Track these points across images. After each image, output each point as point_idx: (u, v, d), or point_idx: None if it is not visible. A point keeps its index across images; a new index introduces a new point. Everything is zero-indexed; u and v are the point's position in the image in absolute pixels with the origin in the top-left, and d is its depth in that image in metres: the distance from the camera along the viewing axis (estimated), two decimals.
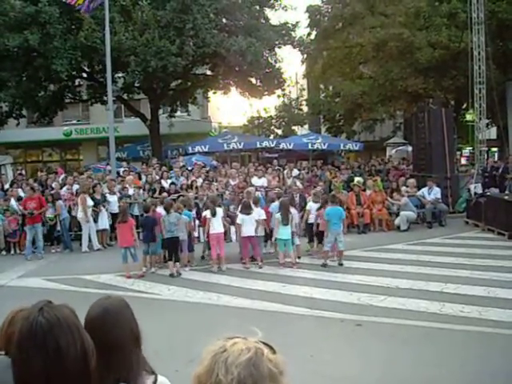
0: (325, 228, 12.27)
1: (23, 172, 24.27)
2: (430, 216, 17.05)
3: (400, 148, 30.41)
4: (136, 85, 24.88)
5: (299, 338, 7.38)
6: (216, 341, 1.47)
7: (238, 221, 12.38)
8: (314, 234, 13.25)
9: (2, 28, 21.13)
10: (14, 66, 22.07)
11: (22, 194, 16.83)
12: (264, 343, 1.46)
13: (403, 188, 17.84)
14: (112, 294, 2.37)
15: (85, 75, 26.60)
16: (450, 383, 5.82)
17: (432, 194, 17.34)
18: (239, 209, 12.95)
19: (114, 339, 2.15)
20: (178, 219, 12.00)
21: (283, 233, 12.06)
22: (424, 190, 17.60)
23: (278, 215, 12.17)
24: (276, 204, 13.08)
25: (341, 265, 12.08)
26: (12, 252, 15.83)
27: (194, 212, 13.77)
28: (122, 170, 20.93)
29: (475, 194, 18.15)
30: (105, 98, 24.43)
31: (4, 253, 15.77)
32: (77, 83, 27.69)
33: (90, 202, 15.59)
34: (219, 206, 12.77)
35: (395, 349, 6.86)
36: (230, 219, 13.94)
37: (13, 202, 16.11)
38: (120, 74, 24.06)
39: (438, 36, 24.20)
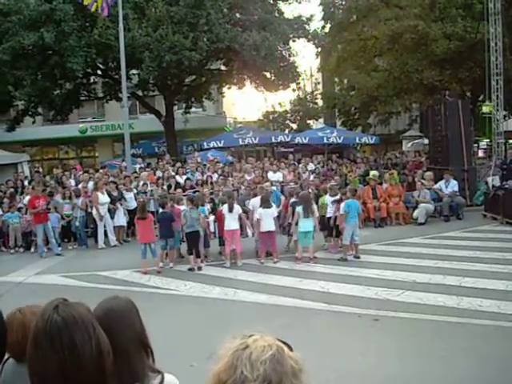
0: (342, 222, 12.19)
1: (40, 170, 24.47)
2: (447, 209, 16.87)
3: (416, 141, 30.21)
4: (150, 81, 24.95)
5: (316, 333, 7.35)
6: (232, 338, 1.45)
7: (257, 215, 12.34)
8: (331, 228, 13.12)
9: (17, 26, 21.25)
10: (30, 64, 22.20)
11: None
12: (281, 341, 1.44)
13: (419, 181, 17.68)
14: (119, 293, 2.30)
15: (100, 72, 26.75)
16: (469, 378, 5.74)
17: (449, 186, 17.16)
18: (253, 203, 12.98)
19: (118, 341, 2.06)
20: (199, 214, 12.07)
21: (305, 225, 12.00)
22: (441, 183, 17.44)
23: (298, 208, 12.11)
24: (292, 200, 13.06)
25: (357, 258, 12.04)
26: (32, 250, 15.78)
27: (209, 207, 13.78)
28: (137, 166, 20.99)
29: (493, 186, 17.94)
30: (120, 95, 24.53)
31: (22, 250, 15.88)
32: (92, 80, 27.85)
33: (103, 199, 15.63)
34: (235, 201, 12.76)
35: (413, 344, 6.80)
36: (245, 214, 13.92)
37: (27, 199, 16.24)
38: (134, 71, 24.15)
39: (454, 27, 23.92)
